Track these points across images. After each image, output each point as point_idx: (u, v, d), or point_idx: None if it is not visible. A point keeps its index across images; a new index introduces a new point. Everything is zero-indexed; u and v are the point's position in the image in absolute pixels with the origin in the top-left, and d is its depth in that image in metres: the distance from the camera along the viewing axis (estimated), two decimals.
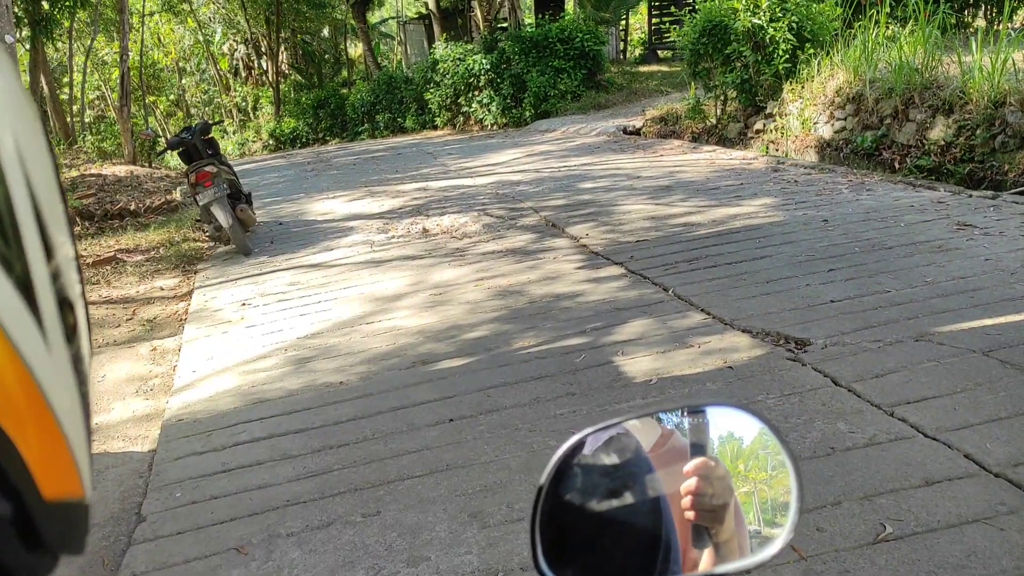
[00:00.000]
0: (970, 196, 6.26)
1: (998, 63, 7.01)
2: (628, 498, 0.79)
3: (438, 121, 19.76)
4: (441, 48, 19.51)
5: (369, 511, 2.82)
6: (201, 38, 29.61)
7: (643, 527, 0.78)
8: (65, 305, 0.48)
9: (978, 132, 7.00)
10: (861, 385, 3.27)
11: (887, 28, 9.15)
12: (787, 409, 3.16)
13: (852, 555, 2.26)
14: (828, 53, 9.45)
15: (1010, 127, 6.74)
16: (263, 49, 29.98)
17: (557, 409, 3.43)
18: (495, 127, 18.14)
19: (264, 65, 30.42)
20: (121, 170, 13.24)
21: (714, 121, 11.59)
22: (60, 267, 0.48)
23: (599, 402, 3.44)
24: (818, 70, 9.39)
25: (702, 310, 4.43)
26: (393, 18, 31.99)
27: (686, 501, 0.82)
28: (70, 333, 0.49)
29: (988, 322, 3.72)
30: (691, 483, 0.83)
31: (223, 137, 27.96)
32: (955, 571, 2.14)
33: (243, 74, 32.35)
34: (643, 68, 21.06)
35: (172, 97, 32.26)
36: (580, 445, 0.78)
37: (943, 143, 7.31)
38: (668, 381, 3.56)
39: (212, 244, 7.89)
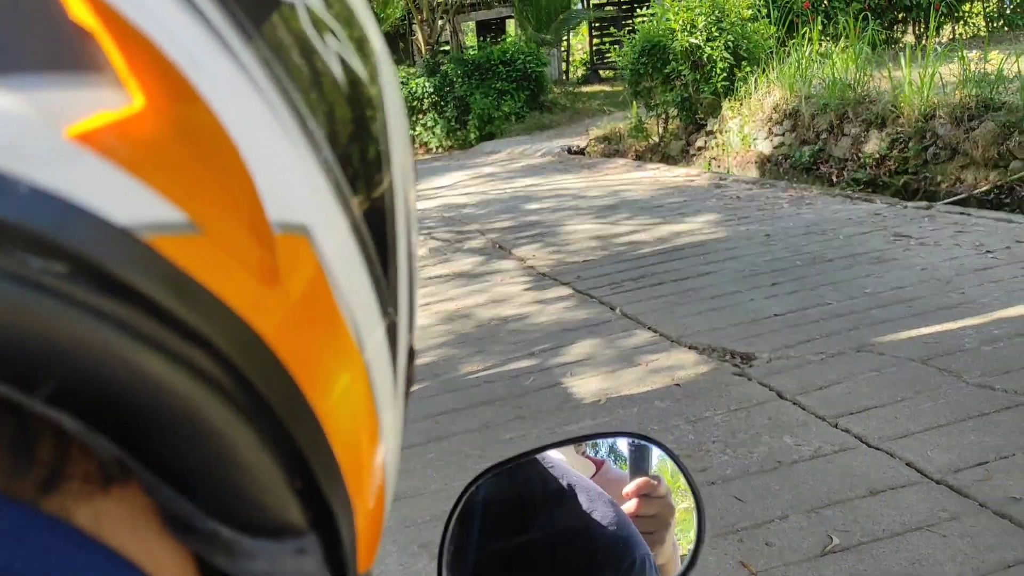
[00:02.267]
0: (905, 207, 6.42)
1: (927, 77, 7.24)
2: (541, 529, 0.77)
3: None
4: None
5: None
6: None
7: (563, 555, 0.76)
8: (412, 355, 0.40)
9: (911, 145, 7.20)
10: (806, 398, 3.31)
11: (820, 45, 9.40)
12: (734, 424, 3.18)
13: (800, 568, 2.27)
14: (764, 71, 9.67)
15: (940, 139, 6.95)
16: None
17: (507, 433, 3.40)
18: (440, 150, 18.16)
19: None
20: None
21: (657, 139, 11.75)
22: (414, 308, 0.39)
23: (549, 425, 3.43)
24: (755, 87, 9.60)
25: (649, 328, 4.45)
26: None
27: None
28: (408, 387, 0.41)
29: (926, 331, 3.80)
30: (631, 505, 0.82)
31: None
32: None
33: None
34: (586, 88, 21.30)
35: None
36: (484, 483, 0.76)
37: (878, 156, 7.50)
38: (617, 401, 3.57)
39: None
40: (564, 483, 0.80)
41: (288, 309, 0.23)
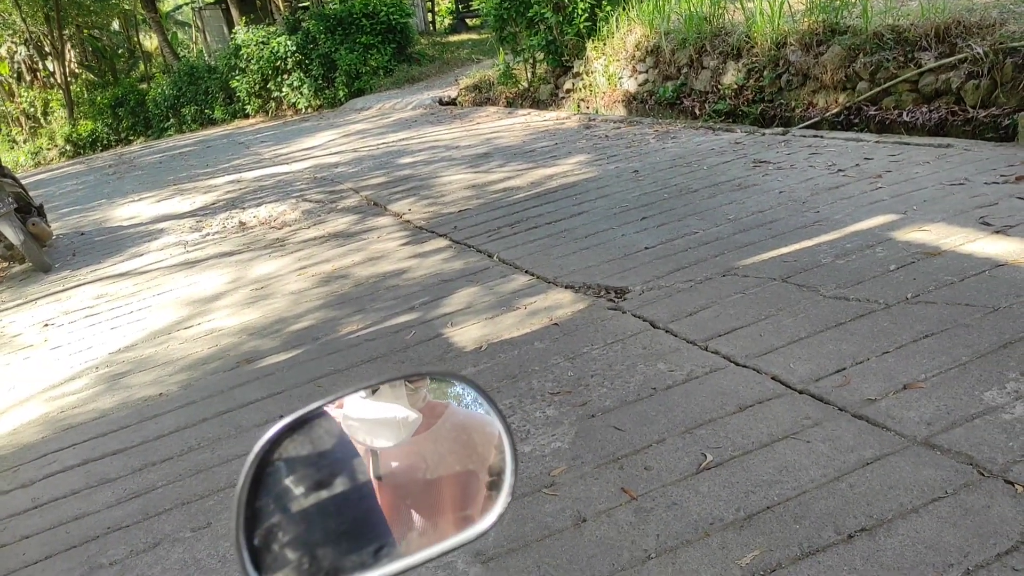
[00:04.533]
0: (763, 134, 6.64)
1: (776, 6, 7.44)
2: (341, 484, 0.76)
3: (249, 109, 19.00)
4: (242, 33, 18.69)
5: (198, 524, 2.67)
6: None
7: (365, 509, 0.75)
8: None
9: (765, 73, 7.43)
10: (677, 325, 3.41)
11: None
12: (611, 357, 3.24)
13: (678, 488, 2.35)
14: (624, 9, 9.74)
15: (792, 66, 7.19)
16: (47, 49, 27.71)
17: None
18: (309, 110, 17.64)
19: (51, 66, 28.15)
20: None
21: (526, 85, 11.73)
22: None
23: None
24: (617, 26, 9.67)
25: (526, 272, 4.48)
26: (187, 4, 30.34)
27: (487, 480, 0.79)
28: None
29: (785, 250, 3.97)
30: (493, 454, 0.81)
31: (12, 148, 25.79)
32: (770, 487, 2.26)
33: (27, 78, 29.79)
34: (453, 38, 21.03)
35: None
36: (280, 438, 0.74)
37: (736, 87, 7.71)
38: (498, 346, 3.58)
39: (5, 265, 7.25)
40: (341, 441, 0.78)
41: None
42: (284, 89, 17.94)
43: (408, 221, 6.10)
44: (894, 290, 3.31)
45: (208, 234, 6.97)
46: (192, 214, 7.98)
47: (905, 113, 6.11)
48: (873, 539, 1.98)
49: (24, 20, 25.66)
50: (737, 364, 2.99)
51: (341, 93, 17.00)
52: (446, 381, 0.85)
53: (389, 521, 0.75)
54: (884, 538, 1.98)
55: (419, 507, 0.76)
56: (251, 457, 0.71)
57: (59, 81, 26.17)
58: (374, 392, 0.80)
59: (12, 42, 28.58)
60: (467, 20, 22.75)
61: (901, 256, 3.62)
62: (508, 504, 0.76)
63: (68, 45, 27.33)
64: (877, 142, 5.66)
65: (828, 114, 6.74)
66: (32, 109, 28.32)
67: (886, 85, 6.28)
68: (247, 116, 19.21)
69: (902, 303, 3.19)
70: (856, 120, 6.51)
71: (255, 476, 0.71)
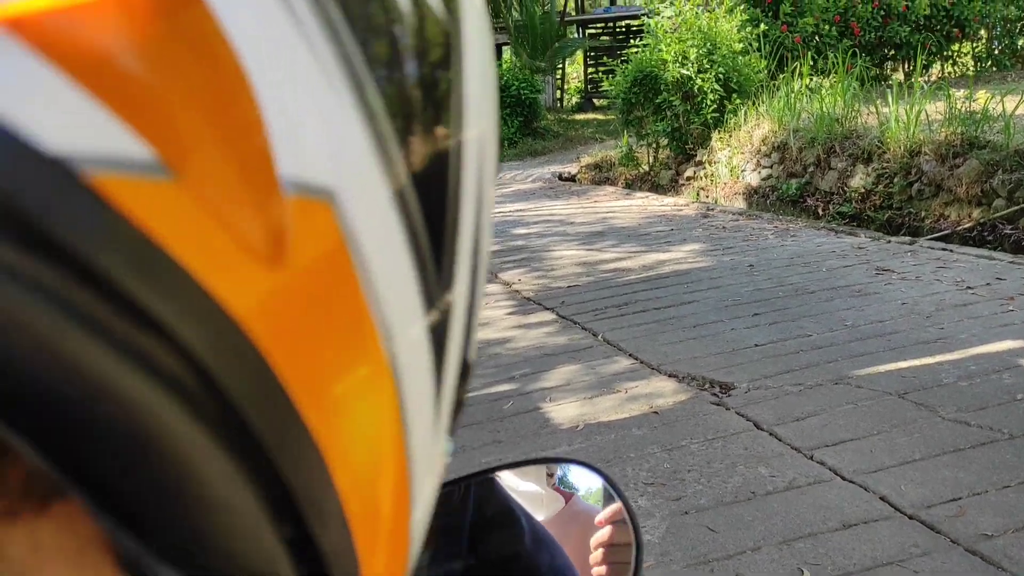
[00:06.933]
0: (889, 242, 6.46)
1: (912, 114, 7.31)
2: (477, 557, 0.76)
3: None
4: None
5: None
6: None
7: None
8: (466, 372, 0.32)
9: (896, 180, 7.26)
10: (782, 429, 3.30)
11: (809, 80, 9.50)
12: (710, 454, 3.16)
13: None
14: (754, 103, 9.75)
15: (925, 175, 7.01)
16: None
17: (483, 457, 3.38)
18: None
19: None
20: None
21: (647, 168, 11.81)
22: (475, 308, 0.31)
23: (525, 450, 3.41)
24: (744, 120, 9.67)
25: (630, 355, 4.45)
26: None
27: (597, 555, 0.79)
28: (456, 410, 0.32)
29: (903, 365, 3.81)
30: (605, 533, 0.80)
31: None
32: None
33: None
34: (579, 116, 21.43)
35: None
36: None
37: (863, 190, 7.56)
38: (594, 427, 3.55)
39: None
40: (504, 509, 0.78)
41: (289, 297, 0.17)
42: None
43: (517, 291, 6.17)
44: (1019, 421, 3.13)
45: None
46: None
47: None
48: None
49: None
50: (843, 478, 2.86)
51: None
52: (573, 467, 0.86)
53: None
54: None
55: None
56: None
57: None
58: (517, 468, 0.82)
59: None
60: (594, 100, 23.18)
61: None
62: None
63: None
64: (1011, 262, 5.42)
65: (959, 228, 6.51)
66: None
67: None
68: None
69: None
70: (990, 237, 6.27)
71: None
